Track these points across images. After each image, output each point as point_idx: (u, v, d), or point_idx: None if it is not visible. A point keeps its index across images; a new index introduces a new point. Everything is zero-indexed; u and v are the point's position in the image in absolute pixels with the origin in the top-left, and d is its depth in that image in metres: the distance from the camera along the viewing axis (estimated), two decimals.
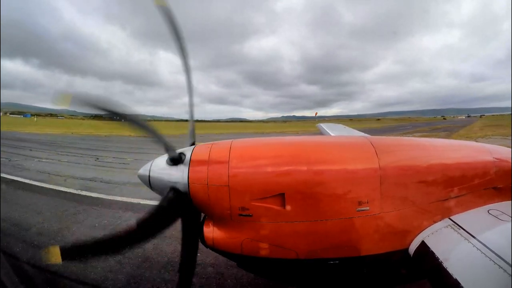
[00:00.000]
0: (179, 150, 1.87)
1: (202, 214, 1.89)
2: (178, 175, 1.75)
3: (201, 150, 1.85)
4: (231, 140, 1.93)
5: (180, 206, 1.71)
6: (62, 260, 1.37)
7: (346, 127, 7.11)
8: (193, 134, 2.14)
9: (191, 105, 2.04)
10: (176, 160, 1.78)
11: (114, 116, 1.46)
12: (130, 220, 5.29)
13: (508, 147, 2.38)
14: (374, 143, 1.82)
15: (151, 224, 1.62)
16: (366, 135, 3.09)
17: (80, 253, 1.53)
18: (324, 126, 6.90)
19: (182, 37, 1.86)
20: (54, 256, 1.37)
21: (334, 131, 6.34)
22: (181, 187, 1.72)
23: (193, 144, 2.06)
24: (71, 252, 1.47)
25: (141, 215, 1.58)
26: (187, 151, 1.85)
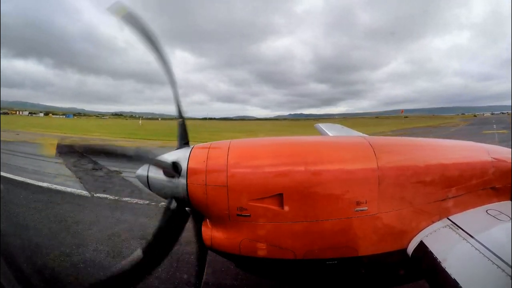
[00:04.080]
0: (173, 154, 1.82)
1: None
2: (176, 184, 1.72)
3: (199, 153, 1.78)
4: (229, 140, 1.92)
5: (183, 213, 1.73)
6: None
7: (344, 127, 7.06)
8: (185, 134, 2.00)
9: (177, 101, 1.93)
10: (171, 173, 1.71)
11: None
12: None
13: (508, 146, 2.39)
14: (373, 143, 1.82)
15: (159, 245, 1.69)
16: (364, 135, 3.07)
17: None
18: (322, 126, 6.85)
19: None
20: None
21: (332, 131, 6.32)
22: (180, 195, 1.72)
23: (186, 143, 1.96)
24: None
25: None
26: (183, 160, 1.74)
